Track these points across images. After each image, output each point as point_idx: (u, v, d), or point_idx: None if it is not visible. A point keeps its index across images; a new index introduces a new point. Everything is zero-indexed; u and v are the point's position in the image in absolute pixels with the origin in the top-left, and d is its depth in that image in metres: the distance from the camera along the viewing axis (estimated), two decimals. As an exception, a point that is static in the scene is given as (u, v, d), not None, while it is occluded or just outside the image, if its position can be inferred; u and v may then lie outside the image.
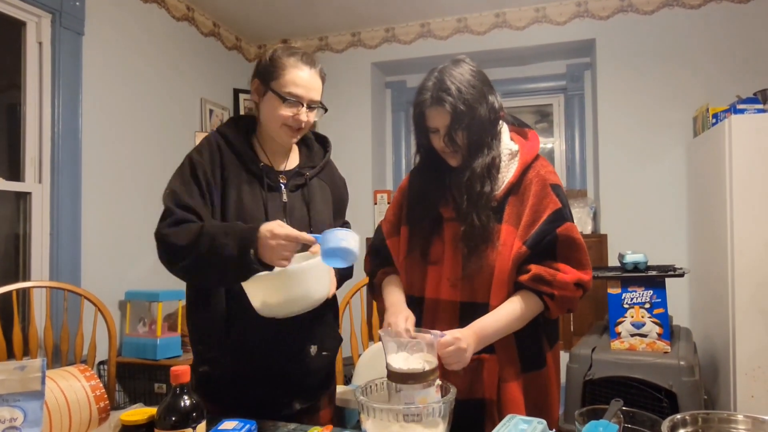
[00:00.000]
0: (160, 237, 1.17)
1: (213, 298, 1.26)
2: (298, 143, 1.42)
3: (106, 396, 1.04)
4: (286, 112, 1.23)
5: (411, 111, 1.22)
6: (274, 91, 1.23)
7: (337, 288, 1.41)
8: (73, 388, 1.01)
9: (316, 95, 1.27)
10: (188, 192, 1.21)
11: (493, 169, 1.17)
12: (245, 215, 1.23)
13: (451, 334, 1.04)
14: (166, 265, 1.18)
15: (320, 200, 1.38)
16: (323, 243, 1.06)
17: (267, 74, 1.25)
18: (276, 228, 1.05)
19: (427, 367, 0.96)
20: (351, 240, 1.06)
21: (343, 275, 1.39)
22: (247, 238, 1.06)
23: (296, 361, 1.30)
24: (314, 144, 1.45)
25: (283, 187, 1.31)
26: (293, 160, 1.39)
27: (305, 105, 1.24)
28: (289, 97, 1.22)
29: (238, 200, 1.24)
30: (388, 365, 0.99)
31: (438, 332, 1.03)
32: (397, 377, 0.96)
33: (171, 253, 1.15)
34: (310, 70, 1.26)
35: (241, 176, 1.26)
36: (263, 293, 1.13)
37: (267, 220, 1.22)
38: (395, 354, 1.00)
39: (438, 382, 0.98)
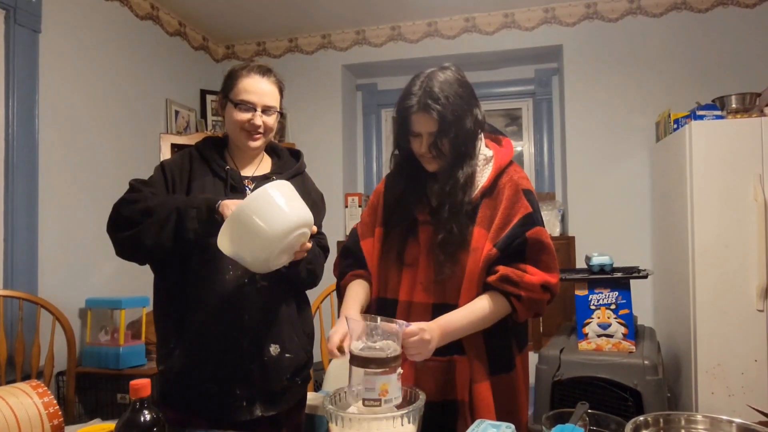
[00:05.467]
0: (117, 203, 1.24)
1: (167, 291, 1.30)
2: (269, 154, 1.49)
3: (60, 413, 0.98)
4: (241, 116, 1.32)
5: (395, 112, 1.21)
6: (230, 100, 1.34)
7: (307, 287, 1.41)
8: (24, 405, 0.96)
9: (270, 101, 1.35)
10: (152, 183, 1.31)
11: (473, 177, 1.19)
12: None
13: (416, 325, 1.05)
14: (116, 227, 1.22)
15: None
16: None
17: (225, 87, 1.36)
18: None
19: (390, 354, 0.96)
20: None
21: (305, 282, 1.39)
22: (212, 199, 1.20)
23: (254, 360, 1.29)
24: (286, 155, 1.51)
25: (247, 189, 1.36)
26: (264, 168, 1.44)
27: (259, 110, 1.33)
28: (241, 103, 1.31)
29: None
30: (351, 350, 0.99)
31: (403, 322, 1.03)
32: (359, 361, 0.96)
33: (126, 220, 1.20)
34: (262, 78, 1.34)
35: (206, 177, 1.34)
36: (236, 249, 1.13)
37: None
38: (359, 340, 1.00)
39: (400, 371, 0.98)
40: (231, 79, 1.34)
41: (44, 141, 2.33)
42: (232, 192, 1.32)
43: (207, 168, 1.34)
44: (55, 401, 0.99)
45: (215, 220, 1.17)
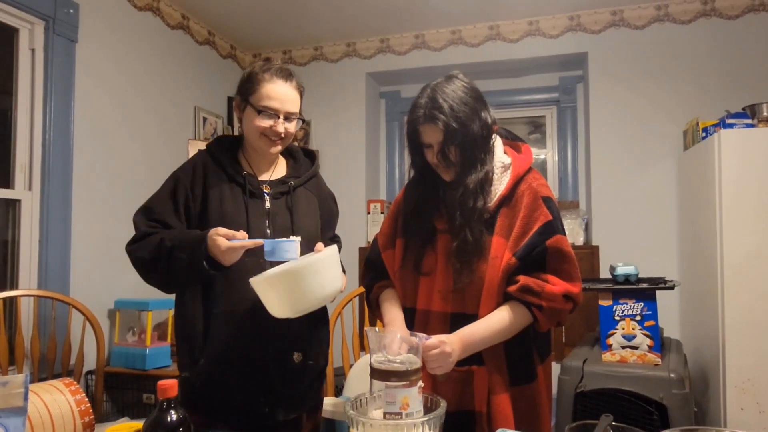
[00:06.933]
0: (128, 253, 1.32)
1: (191, 302, 1.30)
2: (285, 156, 1.47)
3: (91, 410, 1.02)
4: (263, 123, 1.29)
5: (405, 126, 1.23)
6: (251, 105, 1.30)
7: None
8: (58, 402, 0.99)
9: (292, 107, 1.32)
10: (161, 207, 1.30)
11: (486, 184, 1.18)
12: (227, 220, 1.27)
13: (436, 338, 1.05)
14: (142, 277, 1.30)
15: (305, 209, 1.40)
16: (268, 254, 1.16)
17: (245, 90, 1.32)
18: (221, 242, 1.15)
19: (411, 368, 0.97)
20: (293, 252, 1.17)
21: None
22: (197, 251, 1.17)
23: (278, 368, 1.30)
24: (301, 157, 1.49)
25: (266, 194, 1.34)
26: (279, 172, 1.43)
27: (281, 116, 1.30)
28: (264, 110, 1.28)
29: (220, 206, 1.29)
30: (371, 363, 0.99)
31: (423, 335, 1.03)
32: (380, 375, 0.96)
33: (140, 267, 1.29)
34: (285, 84, 1.31)
35: (224, 184, 1.31)
36: (272, 296, 1.15)
37: (249, 225, 1.29)
38: (379, 353, 1.01)
39: (421, 384, 0.98)
40: (252, 83, 1.30)
41: (79, 146, 2.41)
42: (251, 197, 1.31)
43: (223, 173, 1.32)
44: (87, 399, 1.02)
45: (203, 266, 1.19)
